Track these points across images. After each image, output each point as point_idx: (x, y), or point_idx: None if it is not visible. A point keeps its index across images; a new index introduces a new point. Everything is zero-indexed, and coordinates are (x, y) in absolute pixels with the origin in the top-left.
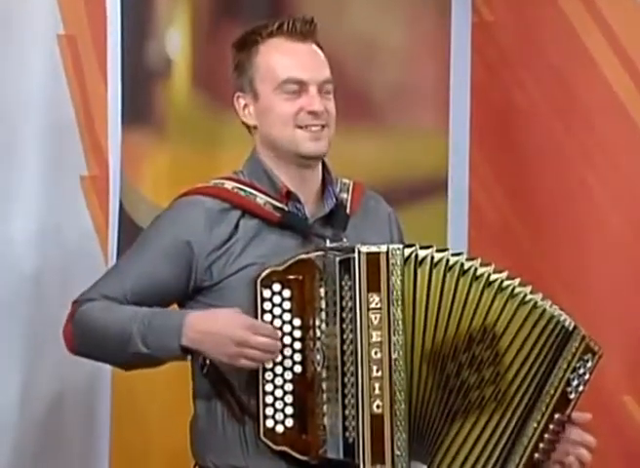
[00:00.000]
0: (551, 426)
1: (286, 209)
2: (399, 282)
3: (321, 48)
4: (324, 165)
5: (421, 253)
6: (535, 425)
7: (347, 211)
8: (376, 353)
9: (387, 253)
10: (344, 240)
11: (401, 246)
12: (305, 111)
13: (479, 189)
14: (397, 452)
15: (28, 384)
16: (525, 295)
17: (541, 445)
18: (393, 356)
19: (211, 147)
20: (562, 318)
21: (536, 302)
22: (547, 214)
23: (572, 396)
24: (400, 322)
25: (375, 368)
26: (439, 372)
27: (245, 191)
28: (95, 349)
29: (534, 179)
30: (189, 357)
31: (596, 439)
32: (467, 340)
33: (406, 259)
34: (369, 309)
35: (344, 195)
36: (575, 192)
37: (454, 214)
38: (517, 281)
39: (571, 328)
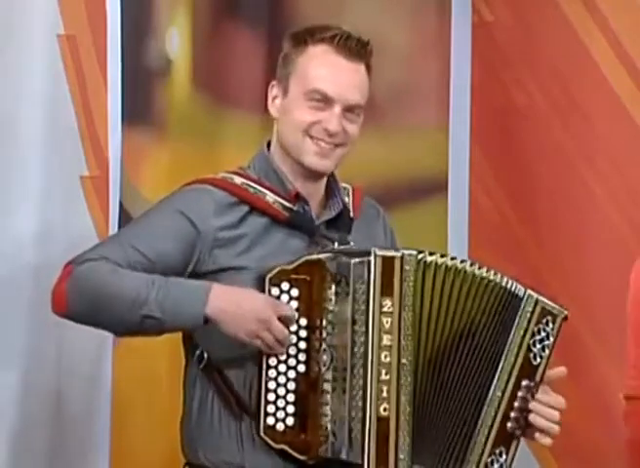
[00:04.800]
0: (520, 394)
1: (294, 208)
2: (411, 287)
3: (370, 71)
4: None
5: (429, 259)
6: (499, 394)
7: (351, 215)
8: (385, 357)
9: (402, 258)
10: (352, 243)
11: (415, 251)
12: (322, 126)
13: (479, 189)
14: (400, 456)
15: (28, 382)
16: (474, 274)
17: (512, 414)
18: (402, 360)
19: (211, 147)
20: (511, 286)
21: (483, 278)
22: (547, 214)
23: (536, 361)
24: (410, 326)
25: (383, 371)
26: (438, 374)
27: (254, 188)
28: (93, 309)
29: (534, 179)
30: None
31: (597, 439)
32: (458, 338)
33: (419, 265)
34: (381, 313)
35: (347, 199)
36: (575, 192)
37: (454, 214)
38: (468, 263)
39: (520, 293)
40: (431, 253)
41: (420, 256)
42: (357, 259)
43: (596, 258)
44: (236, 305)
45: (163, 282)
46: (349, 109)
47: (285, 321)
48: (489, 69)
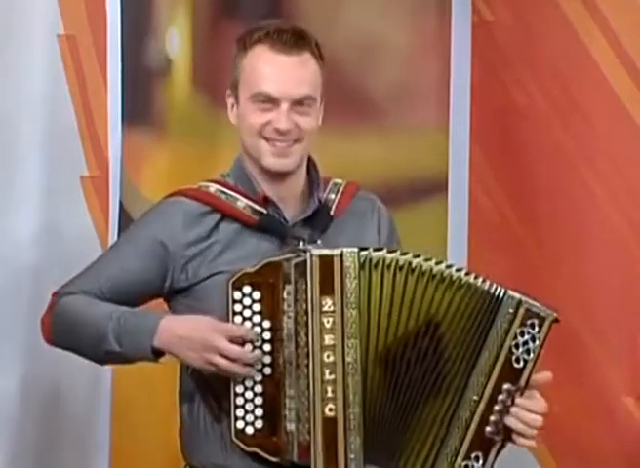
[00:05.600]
0: (500, 397)
1: (265, 212)
2: (354, 285)
3: (316, 57)
4: (312, 164)
5: (375, 256)
6: (475, 397)
7: (332, 212)
8: (328, 356)
9: (341, 256)
10: (319, 242)
11: (356, 249)
12: (273, 126)
13: (479, 189)
14: (351, 456)
15: (28, 382)
16: (452, 277)
17: (492, 417)
18: (347, 359)
19: (211, 147)
20: (488, 287)
21: (462, 280)
22: (547, 214)
23: (519, 364)
24: (355, 325)
25: (327, 371)
26: (391, 373)
27: (227, 194)
28: (70, 343)
29: (534, 179)
30: (161, 359)
31: (598, 440)
32: (414, 336)
33: (363, 263)
34: (321, 312)
35: (332, 196)
36: (575, 192)
37: (454, 214)
38: (422, 258)
39: (500, 295)
40: (377, 250)
41: (362, 253)
42: (297, 260)
43: (596, 258)
44: (183, 336)
45: (123, 316)
46: (298, 103)
47: (243, 340)
48: (489, 69)
